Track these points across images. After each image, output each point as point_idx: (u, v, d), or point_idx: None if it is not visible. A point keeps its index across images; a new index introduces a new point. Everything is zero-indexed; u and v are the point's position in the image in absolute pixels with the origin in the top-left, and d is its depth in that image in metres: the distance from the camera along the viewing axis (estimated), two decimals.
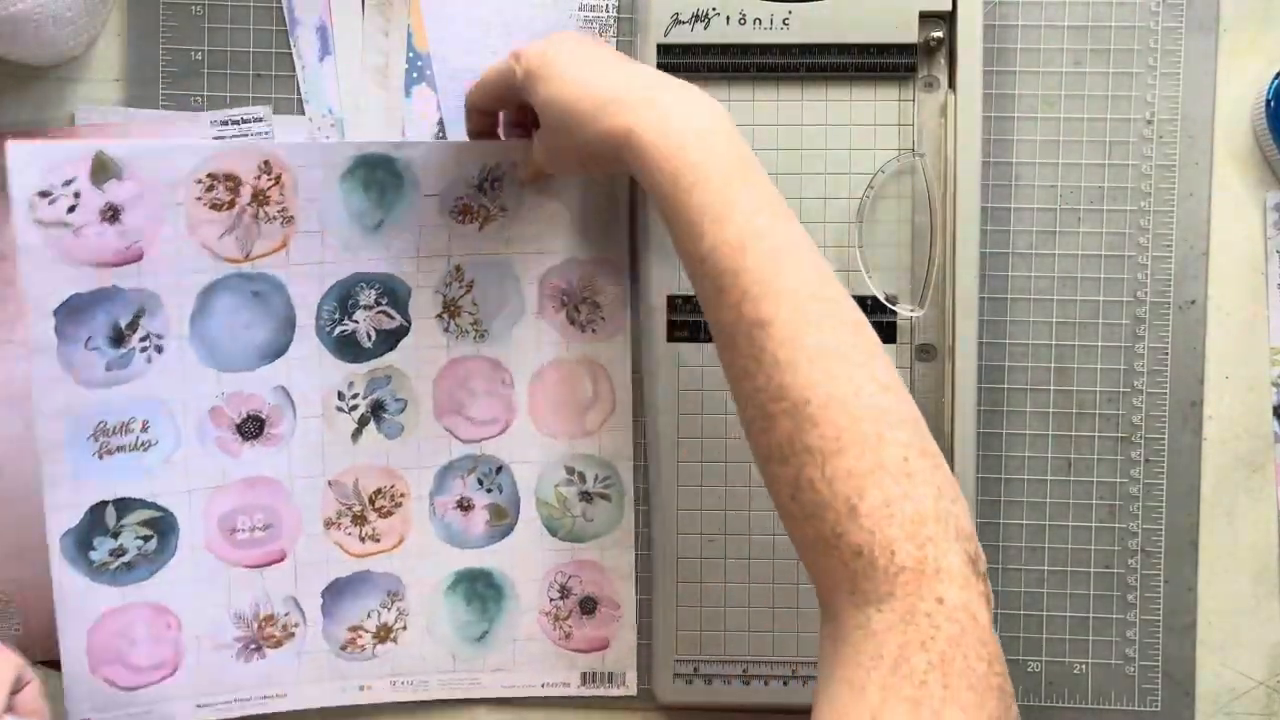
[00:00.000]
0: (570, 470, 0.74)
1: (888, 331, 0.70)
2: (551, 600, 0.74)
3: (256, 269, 0.70)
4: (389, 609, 0.74)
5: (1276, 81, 0.71)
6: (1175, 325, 0.73)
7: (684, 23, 0.69)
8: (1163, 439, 0.73)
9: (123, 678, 0.71)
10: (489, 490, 0.73)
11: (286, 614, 0.73)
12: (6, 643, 0.62)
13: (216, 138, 0.74)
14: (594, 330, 0.73)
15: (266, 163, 0.69)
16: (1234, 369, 0.74)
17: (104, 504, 0.70)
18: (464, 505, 0.74)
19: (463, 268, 0.72)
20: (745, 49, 0.69)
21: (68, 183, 0.67)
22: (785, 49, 0.69)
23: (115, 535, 0.70)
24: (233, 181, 0.69)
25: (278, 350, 0.71)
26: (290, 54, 0.74)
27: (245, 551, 0.72)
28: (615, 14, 0.74)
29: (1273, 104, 0.71)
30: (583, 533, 0.74)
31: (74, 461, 0.69)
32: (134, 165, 0.67)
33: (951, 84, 0.69)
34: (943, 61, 0.70)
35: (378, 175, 0.70)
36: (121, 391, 0.69)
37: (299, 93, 0.74)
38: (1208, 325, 0.73)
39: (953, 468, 0.67)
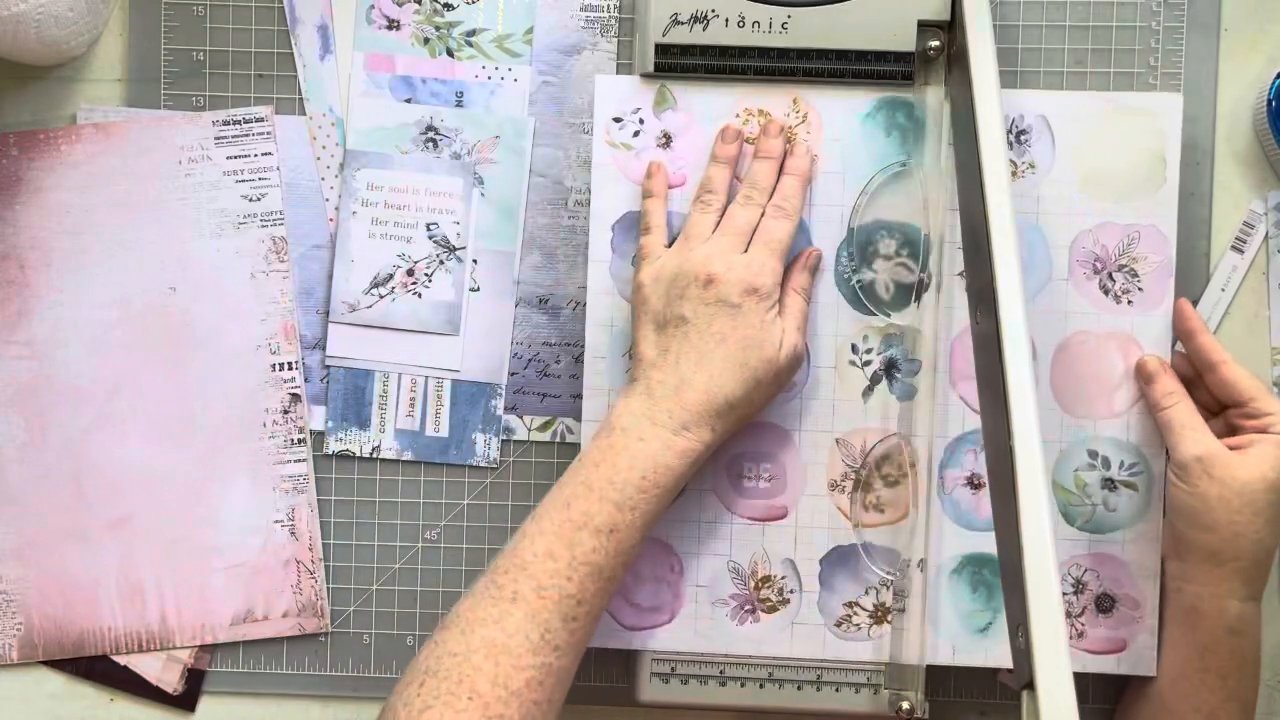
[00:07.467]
0: (1093, 454, 0.70)
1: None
2: (1064, 594, 0.69)
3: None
4: (886, 588, 0.70)
5: (1277, 81, 0.70)
6: None
7: (683, 23, 0.69)
8: None
9: (625, 614, 0.71)
10: None
11: (783, 578, 0.70)
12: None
13: (218, 138, 0.74)
14: (1129, 301, 0.70)
15: (795, 100, 0.70)
16: None
17: None
18: (974, 483, 0.70)
19: None
20: (743, 51, 0.69)
21: (635, 110, 0.71)
22: (783, 53, 0.69)
23: None
24: (765, 116, 0.70)
25: None
26: (291, 54, 0.74)
27: (749, 502, 0.70)
28: (616, 14, 0.74)
29: (1273, 104, 0.70)
30: (1103, 523, 0.70)
31: (610, 374, 0.71)
32: (687, 98, 0.71)
33: (948, 94, 0.69)
34: (940, 70, 0.69)
35: (898, 119, 0.69)
36: None
37: (300, 92, 0.74)
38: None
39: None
